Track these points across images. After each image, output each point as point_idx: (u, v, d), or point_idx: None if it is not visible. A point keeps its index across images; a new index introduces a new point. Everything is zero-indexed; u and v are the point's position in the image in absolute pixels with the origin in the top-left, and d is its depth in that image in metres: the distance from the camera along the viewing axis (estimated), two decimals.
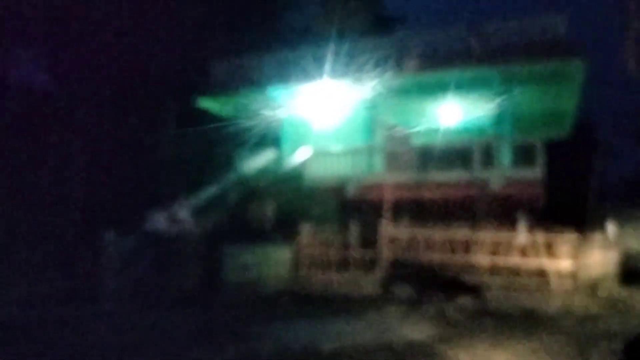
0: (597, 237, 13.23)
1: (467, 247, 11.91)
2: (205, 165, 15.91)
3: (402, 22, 23.61)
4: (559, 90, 16.53)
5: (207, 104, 18.86)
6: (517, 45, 14.94)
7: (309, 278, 11.92)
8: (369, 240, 12.37)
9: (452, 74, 15.69)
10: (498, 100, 16.30)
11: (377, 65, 16.20)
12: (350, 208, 14.60)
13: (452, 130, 16.65)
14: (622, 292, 11.67)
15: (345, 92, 17.35)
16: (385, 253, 12.20)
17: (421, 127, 18.88)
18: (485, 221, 13.27)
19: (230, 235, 11.99)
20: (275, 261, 11.84)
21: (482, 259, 11.90)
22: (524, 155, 14.99)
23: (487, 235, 11.90)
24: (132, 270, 10.47)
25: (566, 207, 16.70)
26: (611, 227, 14.99)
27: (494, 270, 11.62)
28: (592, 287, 11.39)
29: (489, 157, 14.98)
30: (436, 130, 17.40)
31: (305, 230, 12.72)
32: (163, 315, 9.28)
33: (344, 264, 12.11)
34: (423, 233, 12.31)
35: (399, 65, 16.31)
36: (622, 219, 19.06)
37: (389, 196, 15.22)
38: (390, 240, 12.35)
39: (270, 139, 17.85)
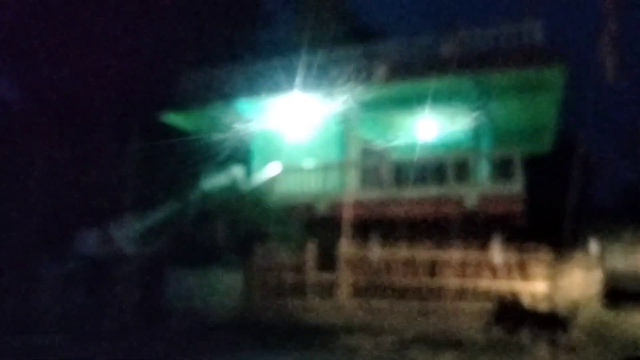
0: (578, 256, 12.41)
1: (433, 269, 10.98)
2: (163, 182, 14.95)
3: (376, 33, 22.89)
4: (538, 101, 15.83)
5: (172, 117, 18.01)
6: (493, 53, 14.23)
7: (262, 305, 10.85)
8: (332, 262, 11.41)
9: (427, 85, 14.89)
10: (474, 112, 15.61)
11: (349, 77, 15.45)
12: (318, 227, 13.67)
13: (427, 144, 15.92)
14: (605, 317, 10.78)
15: (317, 105, 16.59)
16: (346, 276, 11.22)
17: (395, 141, 18.16)
18: (459, 240, 12.42)
19: (179, 257, 10.92)
20: (226, 286, 10.84)
21: (449, 281, 10.96)
22: (501, 170, 14.21)
23: (455, 255, 10.99)
24: (65, 297, 9.45)
25: (546, 225, 15.89)
26: (594, 246, 14.22)
27: (462, 294, 10.70)
28: (571, 312, 10.42)
29: (464, 172, 14.18)
30: (411, 145, 16.70)
31: (262, 252, 11.72)
32: (94, 348, 8.27)
33: (302, 289, 11.08)
34: (389, 254, 11.39)
35: (372, 76, 15.54)
36: (608, 238, 18.36)
37: (359, 214, 14.38)
38: (352, 262, 11.39)
39: (238, 154, 17.00)
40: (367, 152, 17.62)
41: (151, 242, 11.70)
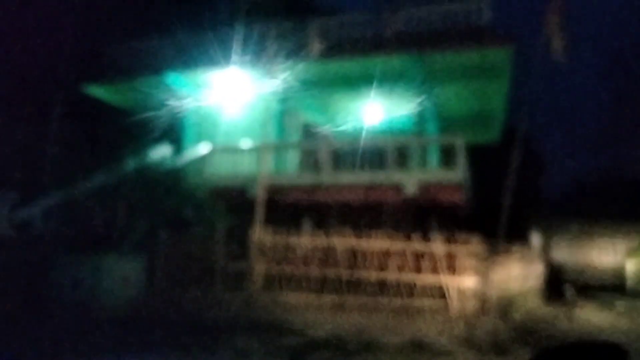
0: (519, 248, 11.79)
1: (362, 260, 10.08)
2: (76, 159, 13.63)
3: (318, 8, 21.80)
4: (485, 86, 15.15)
5: (97, 91, 16.63)
6: (439, 33, 13.43)
7: (161, 298, 9.64)
8: (249, 251, 10.40)
9: (370, 66, 14.07)
10: (418, 96, 14.85)
11: (289, 54, 14.41)
12: (244, 212, 12.62)
13: (369, 128, 15.05)
14: (543, 312, 10.16)
15: (254, 82, 15.52)
16: (262, 267, 10.18)
17: (336, 124, 17.28)
18: (395, 229, 11.61)
19: (72, 243, 9.64)
20: (124, 276, 9.68)
21: (377, 274, 10.06)
22: (443, 157, 13.52)
23: (386, 245, 10.10)
24: None
25: (488, 216, 15.28)
26: (536, 239, 13.70)
27: (389, 288, 9.83)
28: (505, 307, 9.72)
29: (405, 158, 13.37)
30: (352, 128, 15.87)
31: (172, 239, 10.58)
32: None
33: (211, 281, 9.98)
34: (315, 242, 10.45)
35: (312, 54, 14.54)
36: (551, 230, 18.01)
37: (292, 199, 13.48)
38: (272, 251, 10.39)
39: (167, 131, 15.73)
40: (306, 134, 16.73)
41: (43, 225, 10.40)
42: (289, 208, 13.09)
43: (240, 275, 9.98)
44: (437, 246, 9.70)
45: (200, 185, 13.80)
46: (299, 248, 10.17)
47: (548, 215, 19.94)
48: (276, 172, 14.76)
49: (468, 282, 9.38)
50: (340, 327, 7.85)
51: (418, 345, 7.17)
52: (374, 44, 13.46)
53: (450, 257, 9.71)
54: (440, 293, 9.44)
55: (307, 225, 11.33)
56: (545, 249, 14.34)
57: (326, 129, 17.67)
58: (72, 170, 13.53)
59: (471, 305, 9.20)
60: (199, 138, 15.95)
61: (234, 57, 14.71)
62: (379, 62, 13.73)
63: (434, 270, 9.57)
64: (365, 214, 12.61)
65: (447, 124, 18.18)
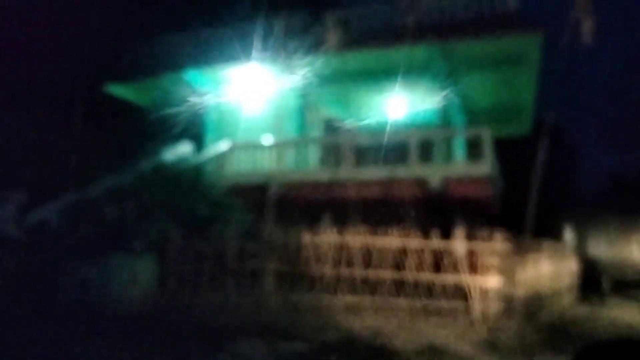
0: (552, 245, 11.19)
1: (384, 258, 9.56)
2: (95, 159, 13.47)
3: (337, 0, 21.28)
4: (513, 76, 14.55)
5: (118, 89, 16.51)
6: (464, 22, 12.89)
7: (172, 298, 9.28)
8: (266, 250, 9.99)
9: (392, 57, 13.62)
10: (442, 87, 14.33)
11: (309, 48, 14.04)
12: (265, 210, 12.32)
13: (392, 122, 14.56)
14: (575, 312, 9.56)
15: (274, 77, 15.22)
16: (277, 267, 9.74)
17: (358, 119, 16.84)
18: (419, 225, 11.12)
19: (85, 244, 9.37)
20: (133, 277, 9.39)
21: (400, 274, 9.52)
22: (470, 151, 12.97)
23: (409, 243, 9.58)
24: None
25: (518, 211, 14.68)
26: (569, 233, 13.07)
27: (400, 288, 9.25)
28: (534, 308, 9.11)
29: (428, 151, 12.87)
30: (375, 122, 15.44)
31: (182, 238, 10.23)
32: None
33: (223, 282, 9.57)
34: (336, 240, 9.99)
35: (332, 46, 14.13)
36: (586, 226, 17.27)
37: (313, 196, 13.12)
38: (290, 250, 9.95)
39: (187, 129, 15.51)
40: (327, 129, 16.34)
41: (55, 226, 10.19)
42: (308, 205, 12.73)
43: (254, 276, 9.59)
44: (459, 243, 9.14)
45: (220, 183, 13.50)
46: (314, 246, 9.73)
47: (584, 210, 19.17)
48: (296, 169, 14.39)
49: (492, 281, 8.80)
50: (353, 330, 7.41)
51: (436, 351, 6.67)
52: (396, 35, 12.98)
53: (473, 255, 9.14)
54: (462, 294, 8.89)
55: (325, 222, 10.92)
56: (580, 245, 13.64)
57: (348, 123, 17.27)
58: (89, 170, 13.38)
59: (495, 306, 8.61)
60: (220, 135, 15.70)
61: (254, 52, 14.40)
62: (401, 54, 13.25)
63: (455, 269, 9.01)
64: (387, 210, 12.15)
65: (473, 117, 17.63)
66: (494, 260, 8.76)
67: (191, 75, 15.42)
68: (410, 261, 9.15)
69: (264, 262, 9.59)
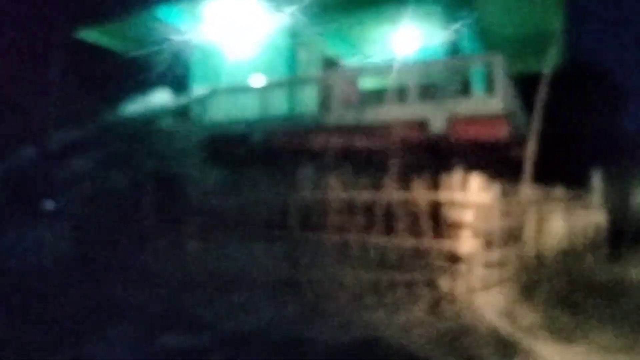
0: (571, 194, 9.29)
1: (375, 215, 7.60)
2: (62, 110, 12.09)
3: None
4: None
5: (89, 35, 14.92)
6: None
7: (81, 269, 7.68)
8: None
9: None
10: (455, 15, 12.39)
11: None
12: (242, 163, 10.72)
13: (399, 58, 12.62)
14: (598, 277, 7.73)
15: (260, 10, 13.41)
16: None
17: (360, 55, 14.99)
18: (417, 175, 9.33)
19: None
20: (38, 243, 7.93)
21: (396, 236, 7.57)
22: (484, 85, 10.99)
23: (407, 196, 7.59)
24: None
25: (539, 155, 12.71)
26: (598, 182, 11.11)
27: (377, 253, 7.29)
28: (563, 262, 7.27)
29: (432, 88, 10.95)
30: (378, 58, 13.62)
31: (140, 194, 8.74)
32: None
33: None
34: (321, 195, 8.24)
35: None
36: (632, 172, 15.17)
37: (292, 145, 11.45)
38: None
39: (165, 75, 13.91)
40: (327, 70, 14.47)
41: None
42: (296, 156, 11.03)
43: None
44: (419, 195, 7.24)
45: (195, 134, 11.92)
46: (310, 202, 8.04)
47: (628, 156, 16.96)
48: (289, 115, 12.66)
49: (465, 245, 6.79)
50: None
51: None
52: None
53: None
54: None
55: (304, 174, 9.22)
56: (613, 195, 11.64)
57: (351, 62, 15.39)
58: (57, 119, 12.01)
59: (475, 279, 6.62)
60: (205, 80, 14.04)
61: None
62: None
63: (417, 229, 7.10)
64: (381, 159, 10.37)
65: (493, 50, 15.45)
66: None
67: (166, 12, 13.67)
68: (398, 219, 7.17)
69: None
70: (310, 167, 10.27)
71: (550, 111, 17.07)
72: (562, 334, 5.48)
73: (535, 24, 14.65)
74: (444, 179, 7.29)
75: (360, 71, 12.93)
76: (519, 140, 12.25)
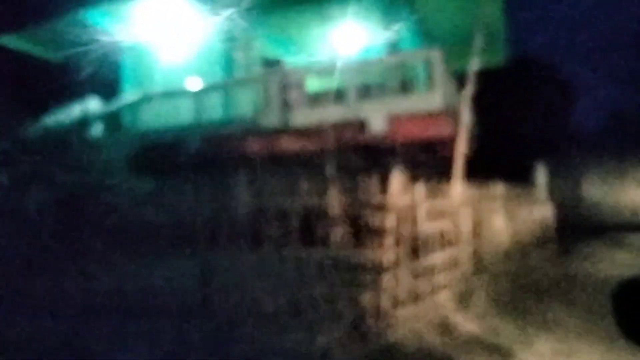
0: (521, 189, 8.99)
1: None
2: None
3: None
4: None
5: (11, 42, 13.98)
6: None
7: None
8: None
9: None
10: (396, 11, 12.05)
11: None
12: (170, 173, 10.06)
13: (339, 56, 12.17)
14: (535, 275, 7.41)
15: (196, 9, 12.79)
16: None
17: (299, 54, 14.52)
18: (356, 178, 8.86)
19: None
20: None
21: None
22: (422, 82, 10.61)
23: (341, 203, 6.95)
24: None
25: (481, 152, 12.45)
26: (542, 176, 10.90)
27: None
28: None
29: (370, 87, 10.51)
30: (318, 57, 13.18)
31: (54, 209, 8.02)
32: None
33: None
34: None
35: None
36: (580, 167, 15.13)
37: (232, 150, 10.84)
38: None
39: (93, 82, 13.11)
40: (264, 69, 13.88)
41: None
42: (218, 162, 10.47)
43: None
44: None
45: (122, 143, 11.19)
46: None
47: (575, 150, 16.96)
48: (225, 119, 11.98)
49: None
50: None
51: None
52: None
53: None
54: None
55: (233, 182, 8.62)
56: (559, 188, 11.46)
57: (293, 62, 14.86)
58: None
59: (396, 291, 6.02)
60: (134, 84, 13.30)
61: None
62: None
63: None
64: (316, 163, 9.88)
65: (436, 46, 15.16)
66: (389, 222, 6.19)
67: (92, 14, 12.88)
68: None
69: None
70: (241, 174, 9.73)
71: (494, 108, 16.97)
72: (503, 346, 5.04)
73: (476, 20, 14.41)
74: (368, 181, 6.77)
75: (306, 71, 12.32)
76: (464, 137, 11.95)
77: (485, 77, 17.22)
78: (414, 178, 8.38)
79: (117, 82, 13.61)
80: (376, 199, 6.28)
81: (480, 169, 10.43)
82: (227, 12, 12.45)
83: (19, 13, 13.31)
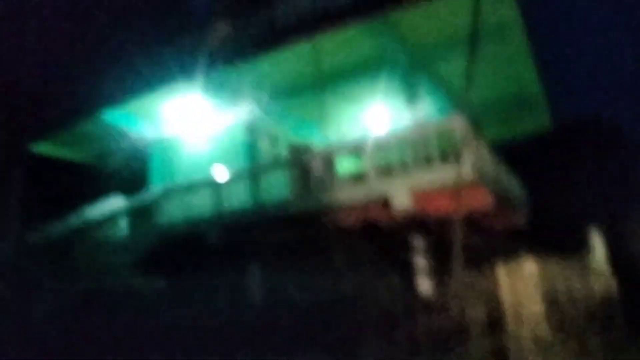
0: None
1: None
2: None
3: None
4: (500, 49, 11.47)
5: (43, 148, 14.21)
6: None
7: None
8: None
9: (344, 50, 11.00)
10: (412, 80, 11.54)
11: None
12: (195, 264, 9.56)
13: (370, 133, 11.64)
14: None
15: (218, 105, 12.73)
16: None
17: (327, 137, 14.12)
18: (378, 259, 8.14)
19: None
20: None
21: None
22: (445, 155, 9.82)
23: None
24: None
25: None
26: (599, 245, 9.73)
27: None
28: None
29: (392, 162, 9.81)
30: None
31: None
32: None
33: None
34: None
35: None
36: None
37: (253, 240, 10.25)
38: None
39: (121, 179, 13.06)
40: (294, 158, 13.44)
41: None
42: (254, 251, 9.88)
43: None
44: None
45: (145, 239, 10.80)
46: None
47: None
48: (242, 206, 11.34)
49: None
50: None
51: None
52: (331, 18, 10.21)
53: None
54: None
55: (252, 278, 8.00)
56: (621, 256, 10.16)
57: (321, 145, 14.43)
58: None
59: None
60: (162, 178, 13.09)
61: (184, 80, 11.91)
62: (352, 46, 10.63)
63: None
64: (345, 242, 9.17)
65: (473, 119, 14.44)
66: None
67: (117, 115, 12.96)
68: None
69: None
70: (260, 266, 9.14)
71: (542, 174, 15.82)
72: None
73: (511, 85, 13.74)
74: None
75: (335, 151, 11.65)
76: (505, 208, 10.97)
77: (535, 143, 16.32)
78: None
79: (145, 178, 13.45)
80: None
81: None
82: (249, 103, 12.33)
83: (44, 118, 13.52)
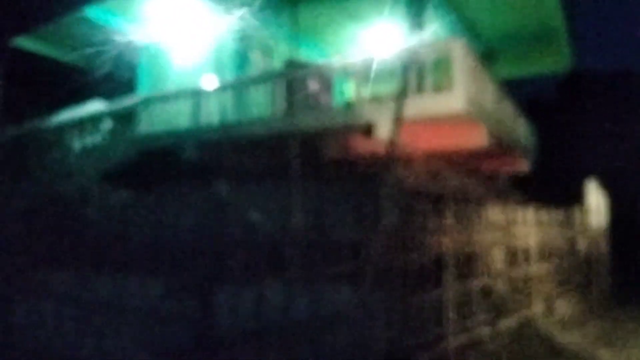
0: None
1: None
2: None
3: None
4: None
5: (25, 44, 13.46)
6: None
7: None
8: None
9: None
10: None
11: None
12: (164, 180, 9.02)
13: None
14: None
15: (207, 9, 11.81)
16: None
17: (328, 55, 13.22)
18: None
19: None
20: None
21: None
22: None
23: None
24: None
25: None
26: (595, 193, 9.00)
27: None
28: None
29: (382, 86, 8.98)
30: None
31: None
32: None
33: None
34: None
35: None
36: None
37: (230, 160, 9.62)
38: None
39: (99, 83, 12.32)
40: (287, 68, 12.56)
41: None
42: (217, 170, 9.27)
43: None
44: None
45: (117, 150, 10.21)
46: None
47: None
48: (234, 121, 10.62)
49: None
50: None
51: None
52: None
53: None
54: None
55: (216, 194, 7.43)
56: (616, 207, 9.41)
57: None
58: None
59: None
60: (149, 85, 12.37)
61: None
62: None
63: None
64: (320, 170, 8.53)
65: (488, 50, 13.33)
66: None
67: (101, 13, 12.10)
68: None
69: None
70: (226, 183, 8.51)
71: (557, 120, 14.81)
72: None
73: (533, 18, 12.57)
74: None
75: (334, 70, 10.70)
76: (506, 150, 10.15)
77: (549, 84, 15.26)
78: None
79: (131, 85, 12.75)
80: None
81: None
82: (243, 11, 11.35)
83: (27, 13, 12.71)
